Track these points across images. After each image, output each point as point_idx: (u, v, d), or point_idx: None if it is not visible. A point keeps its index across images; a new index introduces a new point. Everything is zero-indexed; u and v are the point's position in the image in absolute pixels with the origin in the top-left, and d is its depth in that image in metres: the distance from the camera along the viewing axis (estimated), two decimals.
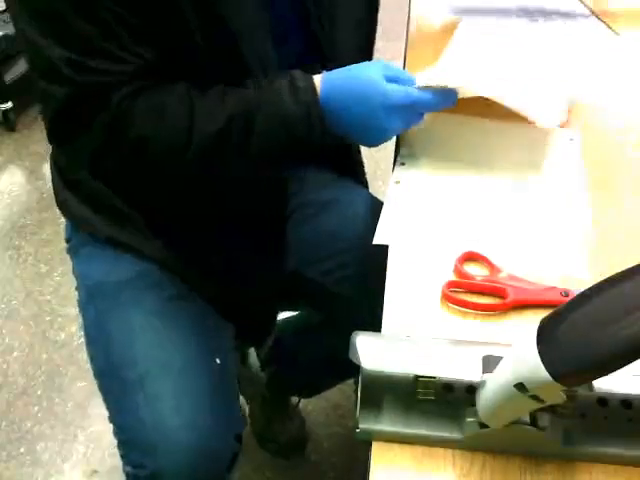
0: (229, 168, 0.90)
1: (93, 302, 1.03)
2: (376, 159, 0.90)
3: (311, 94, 0.85)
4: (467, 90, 0.87)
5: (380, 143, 0.89)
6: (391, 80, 0.85)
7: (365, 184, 1.21)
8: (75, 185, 1.04)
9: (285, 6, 0.93)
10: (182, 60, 0.85)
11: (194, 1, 0.81)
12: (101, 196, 1.01)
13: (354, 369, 0.69)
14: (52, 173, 1.08)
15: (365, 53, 1.07)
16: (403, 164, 0.96)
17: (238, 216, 0.98)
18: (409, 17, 1.26)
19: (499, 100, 0.87)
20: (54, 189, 1.08)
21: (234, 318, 1.05)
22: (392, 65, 0.88)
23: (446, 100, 0.87)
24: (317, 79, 0.86)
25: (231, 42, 0.86)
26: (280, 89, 0.85)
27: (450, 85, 0.86)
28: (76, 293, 1.06)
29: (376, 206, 0.94)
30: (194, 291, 1.02)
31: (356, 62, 0.99)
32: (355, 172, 1.18)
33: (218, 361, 0.98)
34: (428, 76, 0.87)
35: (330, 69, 0.89)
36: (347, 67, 0.87)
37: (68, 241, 1.09)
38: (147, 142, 0.84)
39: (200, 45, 0.84)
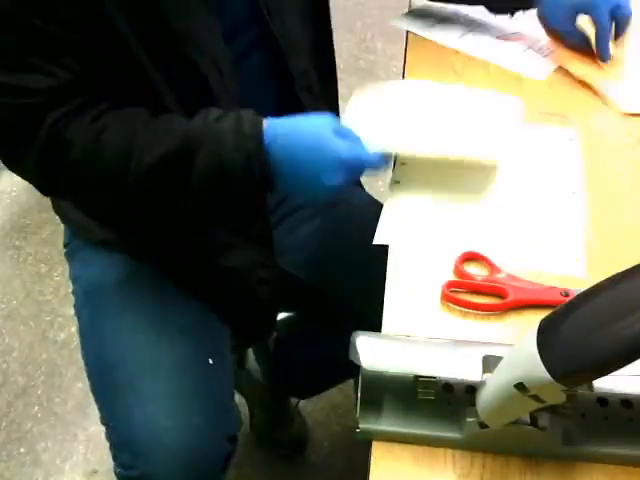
0: (174, 203, 0.88)
1: (87, 305, 1.02)
2: None
3: (255, 142, 0.81)
4: (413, 152, 0.90)
5: (320, 199, 0.89)
6: (339, 135, 0.84)
7: (360, 185, 1.21)
8: None
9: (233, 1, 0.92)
10: (127, 72, 0.83)
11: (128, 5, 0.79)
12: None
13: (354, 369, 0.69)
14: None
15: (321, 46, 1.05)
16: (403, 164, 0.95)
17: (224, 226, 0.97)
18: None
19: (444, 154, 0.89)
20: None
21: (232, 319, 1.05)
22: (340, 121, 0.87)
23: (387, 162, 0.88)
24: (265, 124, 0.83)
25: (177, 44, 0.83)
26: (224, 131, 0.82)
27: (403, 152, 0.89)
28: (72, 297, 1.06)
29: (376, 206, 0.94)
30: (188, 291, 1.01)
31: (312, 54, 1.00)
32: None
33: (211, 361, 0.97)
34: (378, 139, 0.86)
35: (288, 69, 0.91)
36: (295, 117, 0.85)
37: (66, 245, 1.09)
38: (82, 166, 0.83)
39: (141, 53, 0.82)
